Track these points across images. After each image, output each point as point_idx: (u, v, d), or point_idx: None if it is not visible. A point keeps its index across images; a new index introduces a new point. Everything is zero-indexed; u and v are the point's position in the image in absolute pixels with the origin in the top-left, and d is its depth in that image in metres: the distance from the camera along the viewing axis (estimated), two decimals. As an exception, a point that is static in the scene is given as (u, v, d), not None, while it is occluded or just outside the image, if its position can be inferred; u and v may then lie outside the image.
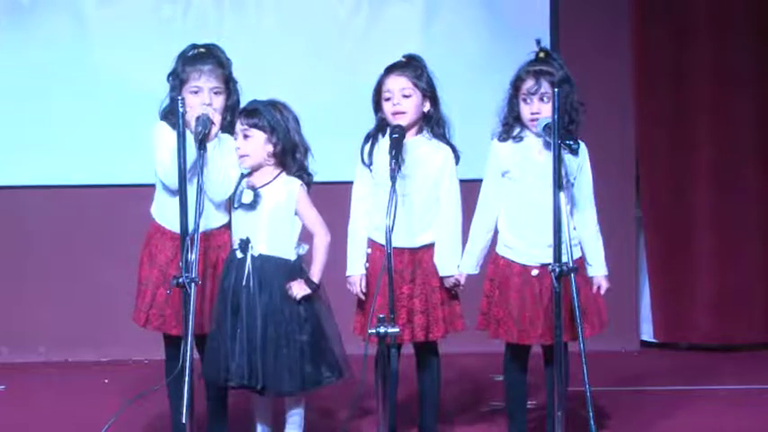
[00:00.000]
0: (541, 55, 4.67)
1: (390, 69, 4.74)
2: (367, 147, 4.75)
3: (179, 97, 4.35)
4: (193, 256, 4.18)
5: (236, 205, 4.62)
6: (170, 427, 4.77)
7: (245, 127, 4.56)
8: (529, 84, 4.61)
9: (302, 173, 4.59)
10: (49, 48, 6.69)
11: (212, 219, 4.63)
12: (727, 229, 6.87)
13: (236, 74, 4.71)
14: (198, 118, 4.45)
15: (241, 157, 4.58)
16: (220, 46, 4.71)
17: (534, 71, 4.61)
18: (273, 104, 4.60)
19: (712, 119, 6.84)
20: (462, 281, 4.74)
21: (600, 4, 6.87)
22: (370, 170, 4.74)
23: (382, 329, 4.17)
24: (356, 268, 4.75)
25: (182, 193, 4.19)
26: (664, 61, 6.84)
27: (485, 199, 4.75)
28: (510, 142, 4.68)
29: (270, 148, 4.56)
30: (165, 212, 4.67)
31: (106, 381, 6.26)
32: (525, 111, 4.63)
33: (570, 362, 4.51)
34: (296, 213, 4.59)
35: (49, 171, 6.72)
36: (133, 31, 6.68)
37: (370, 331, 4.19)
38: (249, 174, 4.61)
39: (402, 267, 4.67)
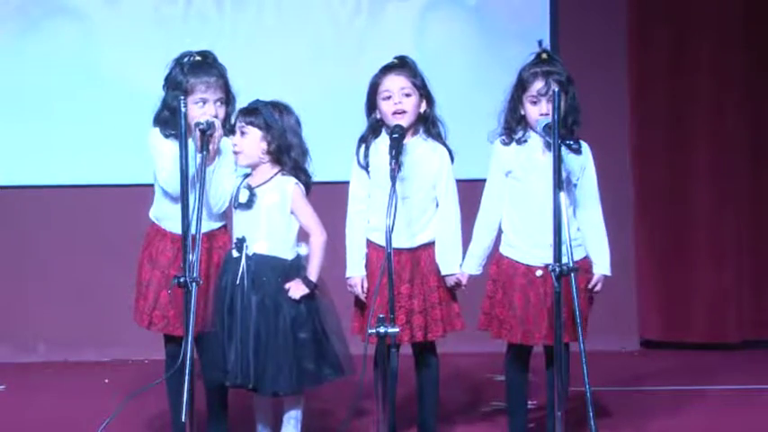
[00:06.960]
0: (544, 56, 4.66)
1: (388, 69, 4.72)
2: (362, 149, 4.75)
3: (180, 97, 4.34)
4: (194, 257, 4.19)
5: (234, 205, 4.64)
6: (170, 426, 4.78)
7: (243, 124, 4.59)
8: (538, 85, 4.59)
9: (298, 171, 4.60)
10: (49, 47, 6.68)
11: (213, 220, 4.64)
12: (725, 229, 6.87)
13: (235, 74, 4.71)
14: (197, 124, 4.47)
15: (236, 153, 4.61)
16: (213, 53, 4.69)
17: (543, 72, 4.59)
18: (274, 105, 4.62)
19: (709, 120, 6.84)
20: (464, 281, 4.74)
21: (598, 6, 6.87)
22: (367, 172, 4.74)
23: (382, 329, 4.17)
24: (356, 270, 4.74)
25: (184, 193, 4.19)
26: (661, 62, 6.84)
27: (488, 200, 4.74)
28: (513, 145, 4.68)
29: (264, 146, 4.58)
30: (165, 215, 4.68)
31: (106, 381, 6.25)
32: (533, 112, 4.61)
33: (570, 362, 4.51)
34: (291, 213, 4.60)
35: (49, 171, 6.72)
36: (134, 31, 6.68)
37: (369, 331, 4.19)
38: (249, 174, 4.63)
39: (400, 268, 4.66)
